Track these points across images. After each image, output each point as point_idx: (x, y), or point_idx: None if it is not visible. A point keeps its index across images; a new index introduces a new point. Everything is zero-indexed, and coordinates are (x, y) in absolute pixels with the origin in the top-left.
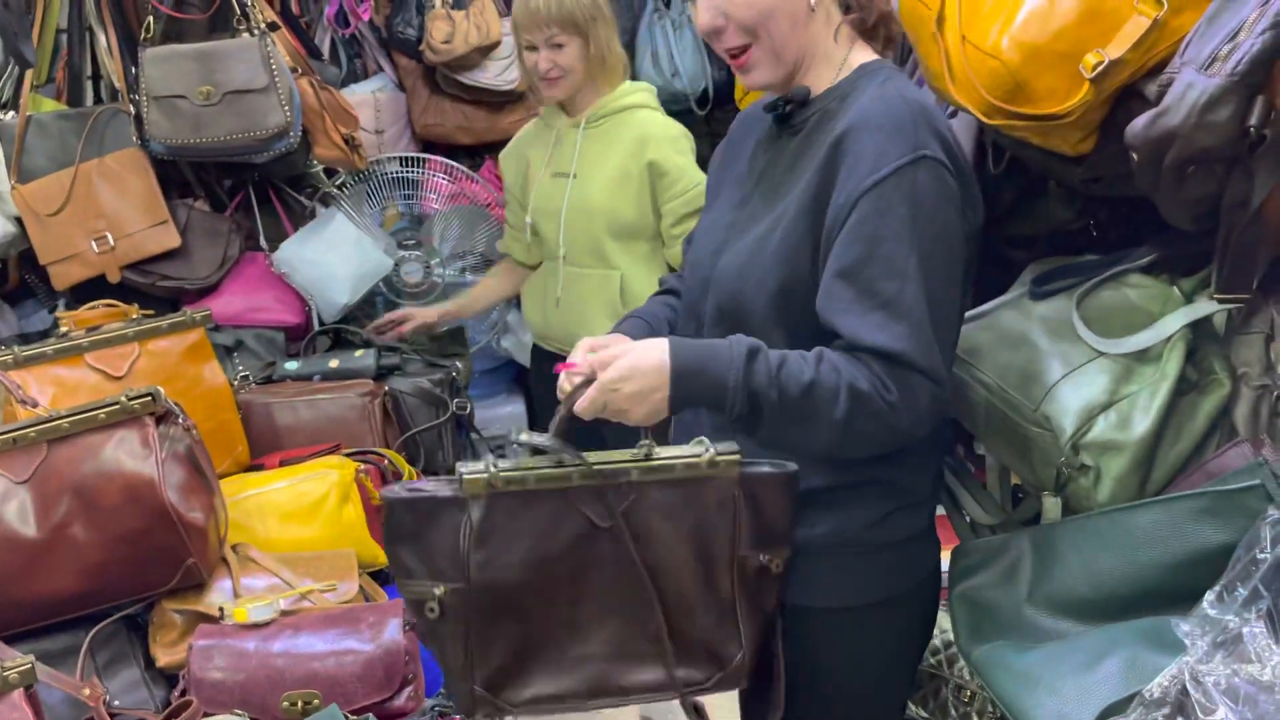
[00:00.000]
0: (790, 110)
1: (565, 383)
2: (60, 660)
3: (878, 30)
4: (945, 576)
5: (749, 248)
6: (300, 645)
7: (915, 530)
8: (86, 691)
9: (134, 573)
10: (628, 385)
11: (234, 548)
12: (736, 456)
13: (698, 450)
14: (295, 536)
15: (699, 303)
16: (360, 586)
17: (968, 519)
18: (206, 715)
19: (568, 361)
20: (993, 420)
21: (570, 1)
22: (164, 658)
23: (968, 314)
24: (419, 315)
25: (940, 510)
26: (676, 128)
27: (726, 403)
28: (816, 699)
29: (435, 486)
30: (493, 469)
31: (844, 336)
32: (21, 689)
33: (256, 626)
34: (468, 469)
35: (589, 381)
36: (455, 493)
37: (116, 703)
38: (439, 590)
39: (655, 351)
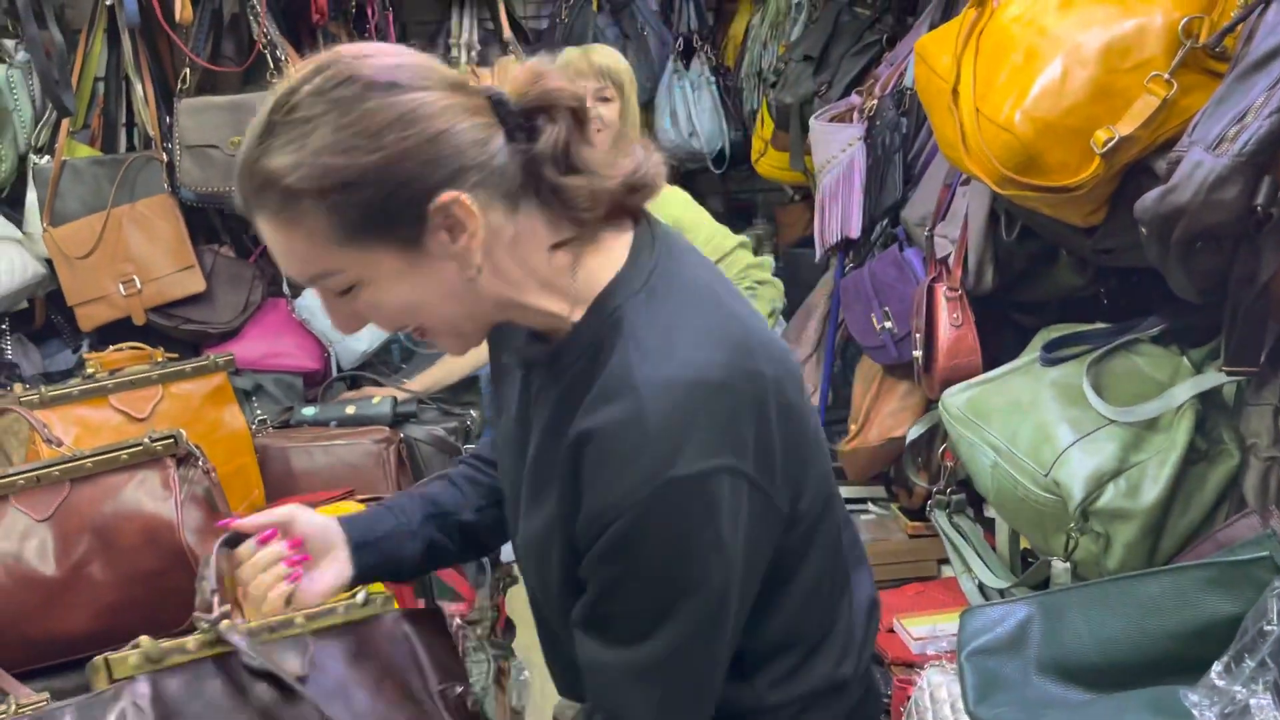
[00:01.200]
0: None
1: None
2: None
3: (619, 212)
4: (954, 639)
5: (535, 548)
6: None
7: (837, 679)
8: None
9: (149, 614)
10: None
11: None
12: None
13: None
14: None
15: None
16: None
17: (976, 582)
18: None
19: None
20: (1002, 484)
21: (621, 63)
22: None
23: (978, 378)
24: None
25: (949, 571)
26: (672, 188)
27: None
28: None
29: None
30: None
31: None
32: None
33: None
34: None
35: None
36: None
37: None
38: None
39: None
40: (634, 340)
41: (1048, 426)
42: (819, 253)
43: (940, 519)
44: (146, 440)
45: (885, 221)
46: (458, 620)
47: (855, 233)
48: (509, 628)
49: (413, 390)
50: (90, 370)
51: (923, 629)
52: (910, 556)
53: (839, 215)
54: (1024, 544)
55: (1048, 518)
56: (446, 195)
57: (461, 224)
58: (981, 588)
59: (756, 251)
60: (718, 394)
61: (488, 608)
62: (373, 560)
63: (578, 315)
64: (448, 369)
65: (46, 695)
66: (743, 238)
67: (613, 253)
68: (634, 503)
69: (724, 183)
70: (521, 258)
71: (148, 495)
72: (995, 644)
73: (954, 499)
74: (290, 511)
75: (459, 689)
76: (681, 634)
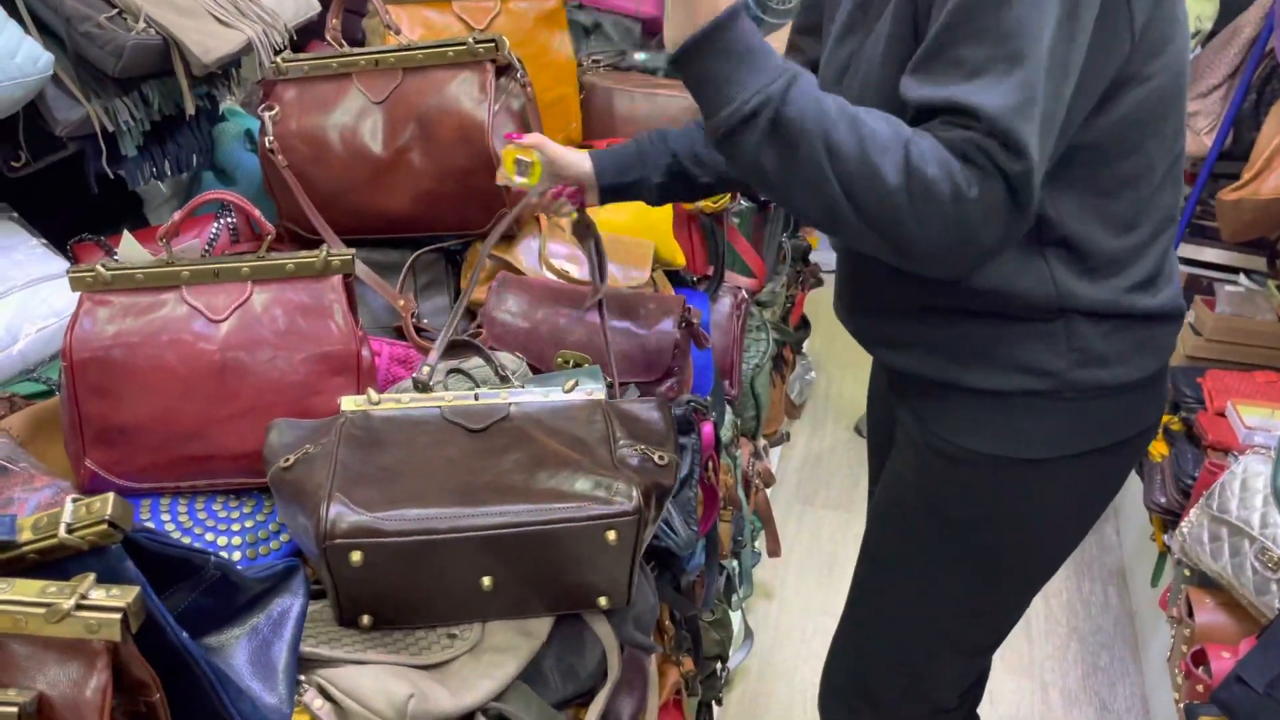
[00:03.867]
0: None
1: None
2: (387, 272)
3: None
4: None
5: (860, 79)
6: (583, 314)
7: (1139, 375)
8: (401, 303)
9: (457, 209)
10: None
11: None
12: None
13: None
14: (604, 218)
15: None
16: (652, 279)
17: None
18: (492, 348)
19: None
20: None
21: None
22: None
23: None
24: None
25: None
26: None
27: (738, 76)
28: (969, 545)
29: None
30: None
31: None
32: (340, 275)
33: (548, 289)
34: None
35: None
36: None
37: (425, 321)
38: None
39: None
40: None
41: None
42: None
43: None
44: (470, 40)
45: None
46: (743, 293)
47: None
48: (804, 324)
49: None
50: None
51: (1257, 418)
52: (1274, 342)
53: None
54: None
55: None
56: None
57: None
58: None
59: None
60: None
61: (782, 295)
62: (613, 199)
63: None
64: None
65: (353, 251)
66: None
67: None
68: None
69: None
70: None
71: (466, 95)
72: None
73: None
74: (539, 139)
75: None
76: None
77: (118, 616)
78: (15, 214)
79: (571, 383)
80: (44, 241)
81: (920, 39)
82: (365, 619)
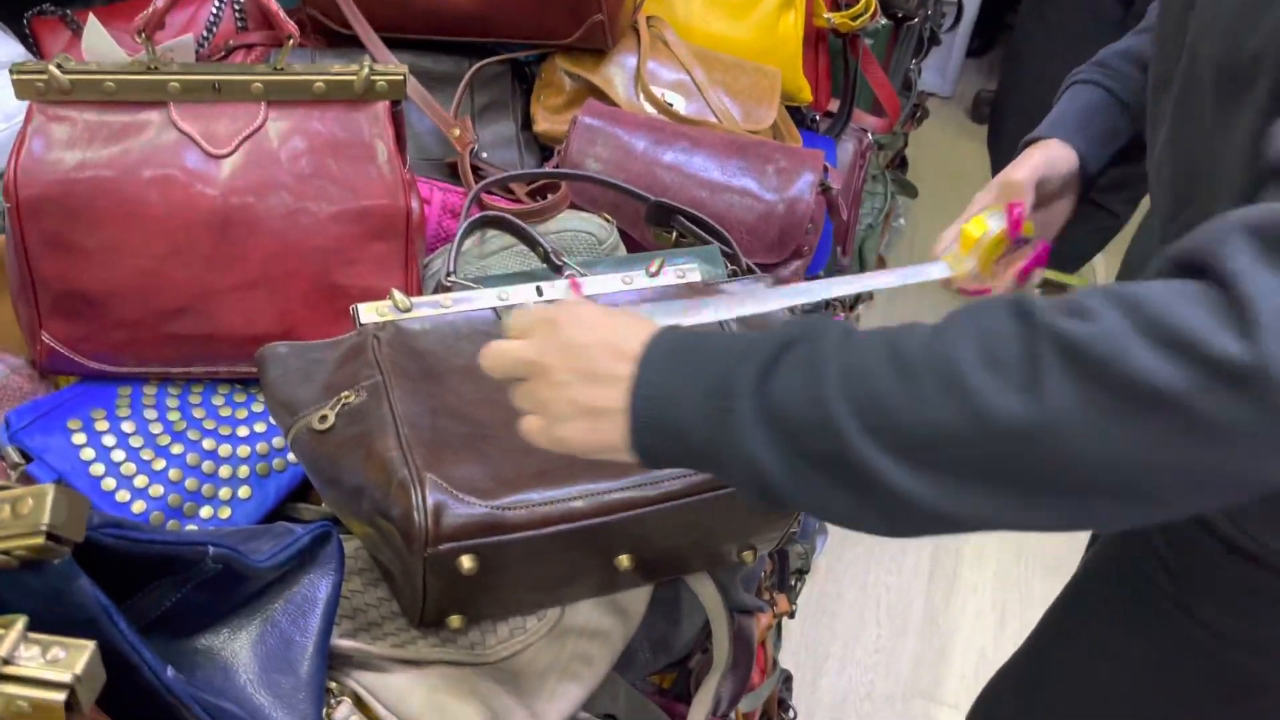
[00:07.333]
0: None
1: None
2: (437, 86)
3: None
4: None
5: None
6: (693, 165)
7: None
8: (457, 133)
9: (535, 9)
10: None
11: (648, 20)
12: None
13: None
14: (716, 31)
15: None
16: (776, 122)
17: None
18: (573, 207)
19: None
20: None
21: None
22: (543, 123)
23: None
24: None
25: None
26: None
27: (731, 426)
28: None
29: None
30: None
31: None
32: (388, 102)
33: (651, 126)
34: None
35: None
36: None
37: (484, 155)
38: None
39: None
40: None
41: None
42: None
43: None
44: None
45: None
46: (869, 138)
47: None
48: (902, 164)
49: None
50: None
51: None
52: None
53: None
54: None
55: None
56: None
57: None
58: None
59: None
60: None
61: (900, 134)
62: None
63: None
64: None
65: (405, 69)
66: None
67: None
68: None
69: None
70: None
71: None
72: None
73: None
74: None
75: None
76: None
77: (61, 697)
78: None
79: (657, 263)
80: None
81: None
82: (455, 620)
